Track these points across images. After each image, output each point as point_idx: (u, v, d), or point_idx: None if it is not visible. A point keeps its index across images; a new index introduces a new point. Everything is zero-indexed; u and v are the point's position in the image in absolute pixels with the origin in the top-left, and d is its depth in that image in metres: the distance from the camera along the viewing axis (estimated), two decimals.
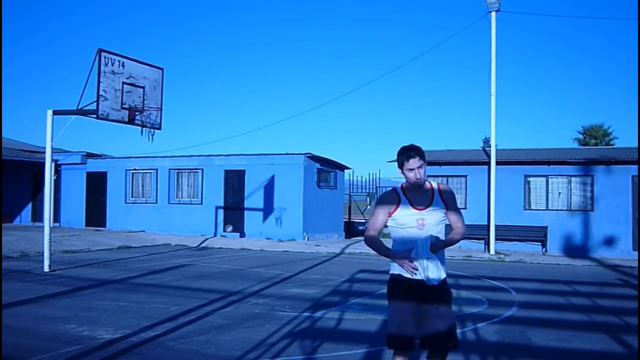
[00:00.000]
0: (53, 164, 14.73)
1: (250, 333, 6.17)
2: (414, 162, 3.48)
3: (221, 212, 20.79)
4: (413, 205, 3.53)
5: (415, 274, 3.46)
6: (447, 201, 3.60)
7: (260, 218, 20.06)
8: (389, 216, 3.58)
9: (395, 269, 3.59)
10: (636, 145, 17.58)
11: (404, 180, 3.61)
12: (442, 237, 3.56)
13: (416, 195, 3.56)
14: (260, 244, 18.25)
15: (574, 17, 60.11)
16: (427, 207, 3.53)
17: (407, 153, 3.52)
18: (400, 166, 3.57)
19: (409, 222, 3.52)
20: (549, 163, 17.46)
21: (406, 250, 3.48)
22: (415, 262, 3.45)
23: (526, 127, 74.91)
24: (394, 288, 3.61)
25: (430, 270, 3.47)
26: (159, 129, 12.85)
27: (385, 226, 3.70)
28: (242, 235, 20.19)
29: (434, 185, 3.64)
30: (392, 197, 3.60)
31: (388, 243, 3.72)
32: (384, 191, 25.75)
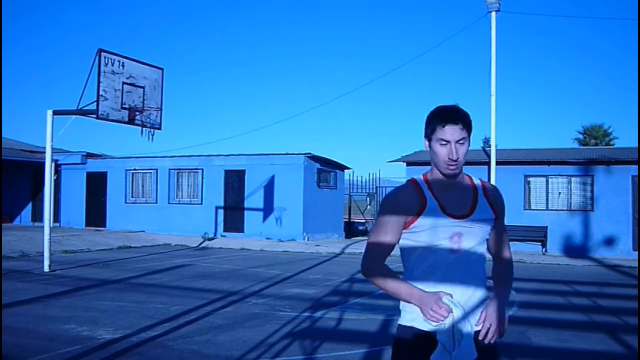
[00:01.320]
0: (53, 164, 14.75)
1: (250, 333, 6.17)
2: (452, 131, 2.09)
3: (221, 212, 20.79)
4: (445, 209, 2.14)
5: (441, 325, 2.06)
6: (495, 206, 2.25)
7: (260, 218, 20.06)
8: (405, 228, 2.17)
9: (407, 316, 2.17)
10: (636, 145, 17.58)
11: (431, 165, 2.22)
12: (483, 266, 2.23)
13: (450, 193, 2.18)
14: (260, 244, 18.25)
15: (574, 17, 60.15)
16: (468, 214, 2.16)
17: (443, 115, 2.13)
18: (429, 136, 2.17)
19: (438, 237, 2.13)
20: (549, 163, 17.46)
21: (438, 293, 2.09)
22: (445, 309, 2.05)
23: (526, 127, 74.98)
24: (402, 353, 2.18)
25: (465, 343, 2.06)
26: (159, 129, 12.85)
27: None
28: (209, 239, 20.21)
29: (476, 181, 2.29)
30: (410, 196, 2.17)
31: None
32: (384, 191, 25.67)
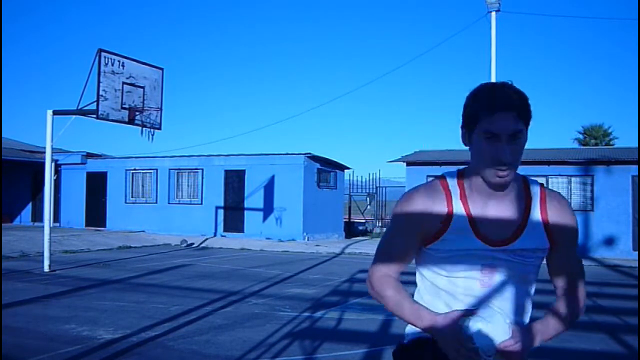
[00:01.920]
0: (53, 164, 14.75)
1: (250, 333, 6.17)
2: (503, 121, 1.48)
3: (221, 212, 20.80)
4: (478, 231, 1.57)
5: None
6: (557, 230, 1.61)
7: (260, 218, 20.06)
8: (427, 243, 1.62)
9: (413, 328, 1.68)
10: (636, 145, 17.59)
11: (472, 160, 1.59)
12: (528, 313, 1.66)
13: (491, 205, 1.58)
14: (260, 244, 18.25)
15: (574, 17, 60.20)
16: (509, 241, 1.57)
17: (491, 96, 1.51)
18: (470, 126, 1.55)
19: (461, 268, 1.58)
20: (549, 163, 17.46)
21: (454, 315, 1.52)
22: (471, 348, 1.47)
23: None
24: None
25: None
26: (159, 129, 12.86)
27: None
28: (188, 245, 20.21)
29: (534, 188, 1.64)
30: (435, 202, 1.60)
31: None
32: (384, 191, 25.66)
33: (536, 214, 1.60)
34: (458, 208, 1.58)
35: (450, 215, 1.58)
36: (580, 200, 17.19)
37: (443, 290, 1.61)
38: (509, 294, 1.59)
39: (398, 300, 1.62)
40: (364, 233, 24.89)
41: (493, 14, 17.28)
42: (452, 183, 1.62)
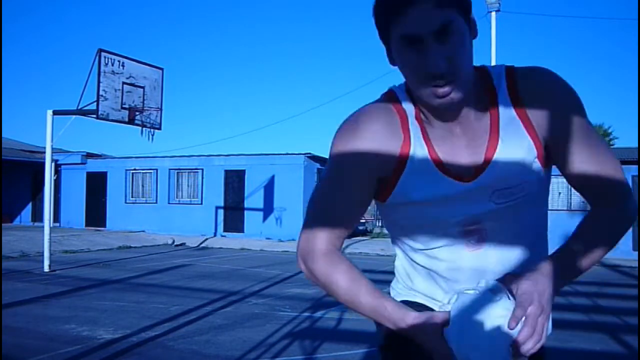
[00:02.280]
0: (53, 164, 14.75)
1: (250, 333, 6.17)
2: (419, 15, 0.98)
3: (221, 212, 20.81)
4: (442, 163, 1.11)
5: None
6: (545, 119, 1.09)
7: (260, 218, 20.08)
8: (382, 197, 1.19)
9: (401, 292, 1.40)
10: (636, 145, 17.60)
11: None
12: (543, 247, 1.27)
13: (447, 126, 1.11)
14: (260, 244, 18.26)
15: (574, 17, 60.19)
16: (483, 165, 1.09)
17: None
18: (385, 36, 1.10)
19: (440, 233, 1.16)
20: None
21: (433, 322, 1.09)
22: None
23: None
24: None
25: None
26: (159, 129, 12.87)
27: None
28: (176, 245, 20.19)
29: (497, 78, 1.11)
30: (392, 125, 1.14)
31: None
32: None
33: (507, 113, 1.09)
34: (416, 131, 1.13)
35: (407, 148, 1.12)
36: (580, 200, 17.19)
37: (423, 268, 1.21)
38: (509, 255, 1.13)
39: (353, 281, 1.24)
40: (364, 233, 24.87)
41: (493, 14, 17.29)
42: (406, 102, 1.16)
